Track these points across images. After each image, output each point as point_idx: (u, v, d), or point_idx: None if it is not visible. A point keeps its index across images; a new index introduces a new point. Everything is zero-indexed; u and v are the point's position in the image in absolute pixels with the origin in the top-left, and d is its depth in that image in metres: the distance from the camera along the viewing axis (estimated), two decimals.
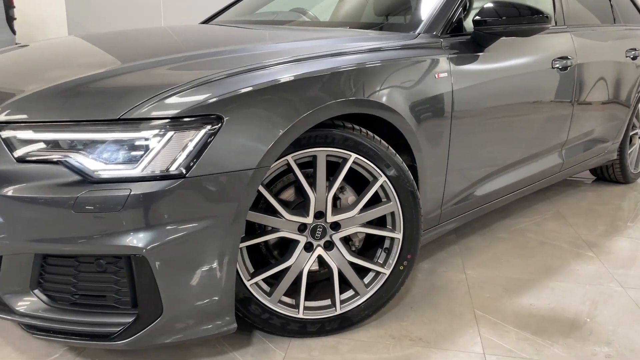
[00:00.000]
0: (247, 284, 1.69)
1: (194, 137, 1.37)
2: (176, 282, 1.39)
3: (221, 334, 1.51)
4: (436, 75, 1.97)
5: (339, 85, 1.65)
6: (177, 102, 1.39)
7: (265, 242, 1.84)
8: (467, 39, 2.20)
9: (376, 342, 1.80)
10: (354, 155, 1.71)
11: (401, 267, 1.85)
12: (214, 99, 1.41)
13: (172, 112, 1.37)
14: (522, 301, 2.11)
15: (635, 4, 3.92)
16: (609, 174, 3.80)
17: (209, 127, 1.39)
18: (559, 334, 1.88)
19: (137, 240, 1.33)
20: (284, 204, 1.80)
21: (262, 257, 1.85)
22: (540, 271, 2.38)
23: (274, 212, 1.69)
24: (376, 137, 1.75)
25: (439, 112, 1.98)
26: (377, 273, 1.85)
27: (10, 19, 5.99)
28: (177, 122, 1.37)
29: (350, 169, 1.75)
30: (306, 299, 1.83)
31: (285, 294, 1.79)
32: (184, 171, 1.36)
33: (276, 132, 1.47)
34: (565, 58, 2.70)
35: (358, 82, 1.70)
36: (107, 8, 6.94)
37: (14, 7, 6.07)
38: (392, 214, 1.82)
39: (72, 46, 2.18)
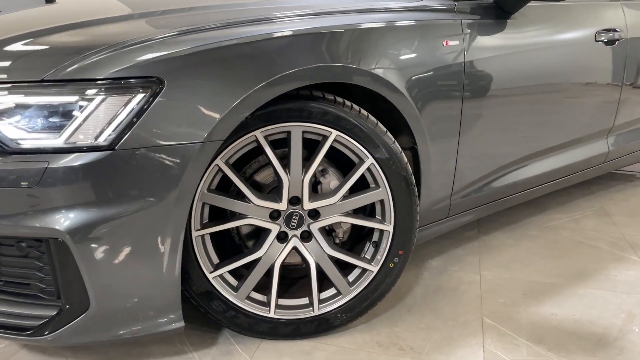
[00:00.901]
0: (210, 276, 1.48)
1: (128, 103, 1.17)
2: (105, 272, 1.20)
3: (164, 334, 1.31)
4: (444, 43, 1.69)
5: (315, 49, 1.40)
6: (110, 62, 1.19)
7: (238, 230, 1.63)
8: (489, 3, 1.89)
9: (358, 350, 1.56)
10: (335, 133, 1.47)
11: (391, 265, 1.59)
12: (154, 59, 1.20)
13: (102, 73, 1.17)
14: (542, 309, 1.80)
15: None
16: None
17: (146, 91, 1.18)
18: (580, 352, 1.58)
19: (56, 221, 1.14)
20: (259, 187, 1.58)
21: (235, 248, 1.64)
22: (571, 275, 2.05)
23: (242, 196, 1.48)
24: (363, 111, 1.50)
25: (446, 86, 1.70)
26: (364, 270, 1.60)
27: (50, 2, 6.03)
28: (108, 85, 1.17)
29: (335, 149, 1.51)
30: (282, 296, 1.61)
31: (257, 290, 1.57)
32: (113, 143, 1.15)
33: (230, 100, 1.25)
34: (613, 30, 2.33)
35: (340, 46, 1.45)
36: None
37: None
38: (382, 202, 1.56)
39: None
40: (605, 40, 2.29)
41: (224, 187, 1.50)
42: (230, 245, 1.65)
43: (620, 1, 2.48)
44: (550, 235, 2.45)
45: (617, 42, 2.35)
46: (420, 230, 1.85)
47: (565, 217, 2.69)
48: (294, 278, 1.78)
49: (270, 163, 1.46)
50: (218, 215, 1.52)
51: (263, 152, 1.45)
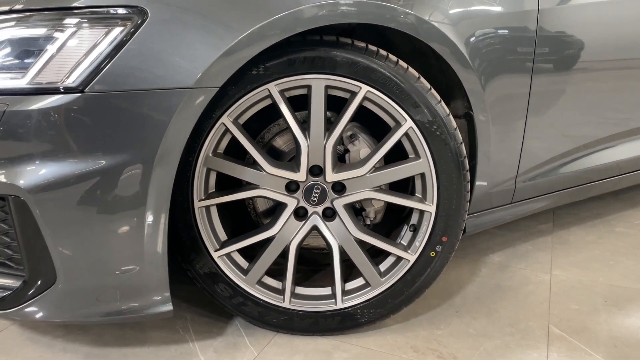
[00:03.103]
0: (214, 255, 1.27)
1: (104, 38, 0.97)
2: (72, 240, 1.01)
3: (147, 317, 1.11)
4: None
5: None
6: None
7: (254, 206, 1.41)
8: None
9: (388, 354, 1.29)
10: (365, 88, 1.20)
11: (432, 254, 1.30)
12: None
13: (73, 2, 0.98)
14: (627, 321, 1.45)
15: None
16: None
17: (125, 23, 0.98)
18: None
19: (14, 176, 0.97)
20: (279, 155, 1.35)
21: (252, 226, 1.42)
22: None
23: (254, 163, 1.25)
24: (402, 63, 1.22)
25: (513, 41, 1.38)
26: (398, 259, 1.33)
27: None
28: (80, 15, 0.98)
29: (368, 109, 1.25)
30: (302, 284, 1.38)
31: (273, 276, 1.34)
32: (82, 84, 0.96)
33: (228, 39, 1.02)
34: None
35: None
36: None
37: None
38: (422, 176, 1.27)
39: None
40: None
41: (238, 152, 1.28)
42: (247, 224, 1.43)
43: None
44: None
45: None
46: (476, 216, 1.55)
47: None
48: (323, 264, 1.54)
49: (285, 122, 1.22)
50: (234, 185, 1.30)
51: (278, 110, 1.21)
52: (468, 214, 1.51)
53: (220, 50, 1.02)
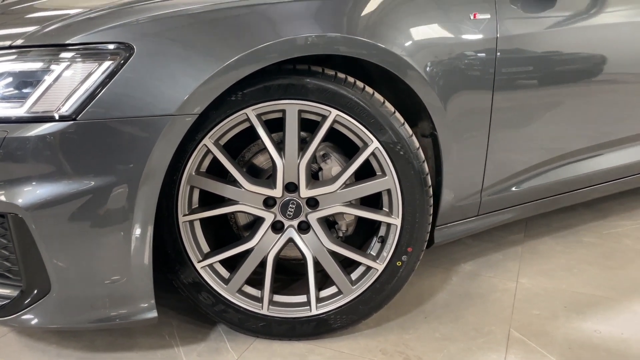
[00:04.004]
0: (198, 266, 1.38)
1: (94, 71, 1.09)
2: (65, 253, 1.12)
3: (134, 324, 1.22)
4: (472, 16, 1.49)
5: (312, 17, 1.26)
6: (78, 27, 1.11)
7: (235, 220, 1.52)
8: None
9: (359, 357, 1.40)
10: (334, 112, 1.32)
11: (399, 263, 1.41)
12: (124, 24, 1.11)
13: (68, 39, 1.09)
14: (584, 325, 1.55)
15: None
16: None
17: (114, 58, 1.09)
18: None
19: (12, 195, 1.08)
20: (259, 172, 1.46)
21: (233, 237, 1.53)
22: (626, 289, 1.77)
23: (234, 181, 1.36)
24: (368, 89, 1.34)
25: (473, 64, 1.50)
26: (368, 268, 1.44)
27: None
28: (73, 51, 1.09)
29: (340, 131, 1.36)
30: (280, 292, 1.48)
31: (253, 285, 1.45)
32: (74, 113, 1.07)
33: (206, 71, 1.14)
34: None
35: (343, 14, 1.30)
36: None
37: None
38: (389, 192, 1.39)
39: None
40: None
41: (221, 170, 1.39)
42: (229, 235, 1.54)
43: None
44: (610, 244, 2.15)
45: None
46: (444, 228, 1.66)
47: (631, 224, 2.37)
48: (301, 274, 1.64)
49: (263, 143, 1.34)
50: (217, 201, 1.41)
51: (255, 132, 1.32)
52: (437, 226, 1.64)
53: (200, 80, 1.13)
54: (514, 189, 1.79)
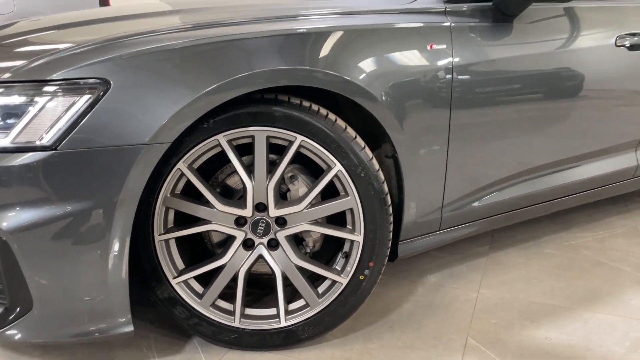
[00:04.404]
0: (173, 282, 1.47)
1: (73, 104, 1.18)
2: (47, 273, 1.21)
3: (112, 337, 1.30)
4: (429, 47, 1.61)
5: (277, 52, 1.37)
6: (59, 64, 1.21)
7: (209, 237, 1.61)
8: (487, 6, 1.79)
9: None
10: (300, 138, 1.42)
11: (361, 277, 1.52)
12: (101, 61, 1.21)
13: (50, 75, 1.19)
14: (536, 333, 1.67)
15: None
16: None
17: (92, 92, 1.19)
18: None
19: None
20: (232, 192, 1.56)
21: (208, 255, 1.62)
22: (579, 297, 1.89)
23: (207, 201, 1.46)
24: (330, 116, 1.45)
25: (431, 92, 1.61)
26: (333, 282, 1.54)
27: None
28: (54, 86, 1.19)
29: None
30: (252, 305, 1.58)
31: (227, 299, 1.54)
32: (55, 143, 1.16)
33: (177, 103, 1.23)
34: (639, 34, 2.16)
35: (305, 48, 1.41)
36: None
37: (109, 5, 6.41)
38: (351, 211, 1.49)
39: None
40: (629, 45, 2.12)
41: (196, 191, 1.48)
42: (204, 252, 1.63)
43: None
44: (569, 255, 2.27)
45: None
46: (407, 242, 1.77)
47: (591, 235, 2.50)
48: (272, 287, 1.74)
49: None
50: (191, 220, 1.50)
51: (227, 157, 1.42)
52: (400, 240, 1.74)
53: (172, 111, 1.23)
54: (475, 204, 1.91)
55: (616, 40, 2.09)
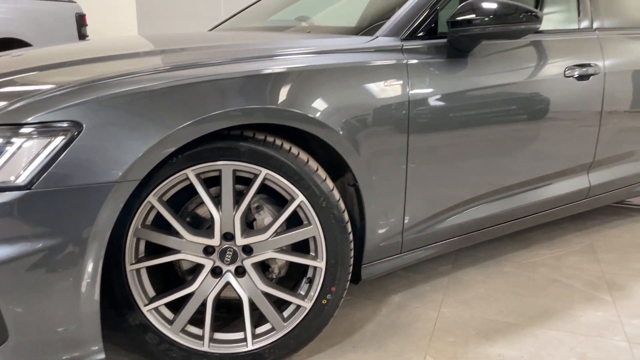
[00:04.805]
0: (144, 309, 1.54)
1: (47, 146, 1.25)
2: (22, 305, 1.27)
3: None
4: (386, 83, 1.72)
5: (241, 92, 1.46)
6: (34, 107, 1.28)
7: (179, 264, 1.68)
8: (442, 43, 1.92)
9: None
10: (264, 171, 1.51)
11: (324, 301, 1.61)
12: (74, 104, 1.29)
13: (25, 118, 1.26)
14: (490, 350, 1.77)
15: None
16: None
17: (65, 134, 1.26)
18: None
19: None
20: (201, 221, 1.64)
21: (178, 281, 1.69)
22: (533, 315, 2.01)
23: (177, 232, 1.53)
24: (293, 150, 1.54)
25: (389, 124, 1.72)
26: (298, 306, 1.62)
27: (82, 36, 6.34)
28: (29, 129, 1.25)
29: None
30: (221, 330, 1.65)
31: (194, 323, 1.61)
32: (30, 183, 1.23)
33: (146, 143, 1.32)
34: (586, 65, 2.31)
35: (266, 87, 1.50)
36: (178, 23, 7.23)
37: (86, 24, 6.43)
38: (314, 239, 1.59)
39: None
40: (577, 76, 2.27)
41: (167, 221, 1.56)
42: (175, 278, 1.70)
43: (598, 35, 2.46)
44: (526, 272, 2.40)
45: (591, 77, 2.33)
46: (369, 266, 1.86)
47: (549, 253, 2.63)
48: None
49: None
50: (161, 248, 1.57)
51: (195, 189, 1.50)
52: (363, 264, 1.84)
53: (142, 150, 1.31)
54: (436, 226, 2.02)
55: (565, 71, 2.24)
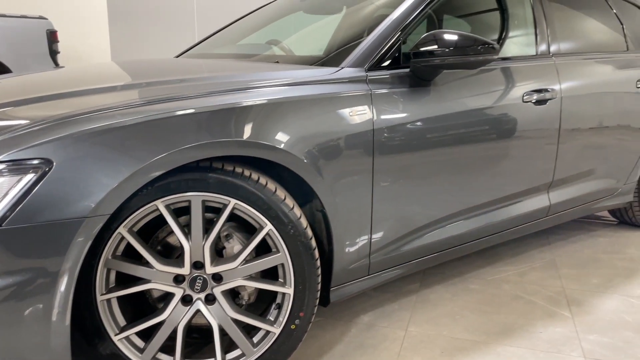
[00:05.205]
0: (115, 339, 1.56)
1: (17, 184, 1.28)
2: None
3: None
4: (350, 113, 1.79)
5: (210, 125, 1.51)
6: (6, 145, 1.31)
7: (150, 292, 1.71)
8: (406, 73, 2.00)
9: None
10: (233, 201, 1.56)
11: (293, 326, 1.65)
12: (46, 141, 1.32)
13: None
14: None
15: None
16: (629, 217, 3.39)
17: (36, 171, 1.29)
18: None
19: None
20: (172, 250, 1.67)
21: (149, 308, 1.72)
22: (496, 332, 2.08)
23: (146, 262, 1.56)
24: (262, 180, 1.59)
25: (354, 152, 1.79)
26: (267, 332, 1.66)
27: (53, 53, 6.30)
28: (1, 165, 1.28)
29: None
30: (193, 356, 1.68)
31: (165, 350, 1.64)
32: (0, 220, 1.26)
33: (117, 177, 1.35)
34: (544, 91, 2.42)
35: (231, 120, 1.56)
36: (149, 41, 7.24)
37: (57, 41, 6.39)
38: (283, 266, 1.64)
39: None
40: (534, 101, 2.38)
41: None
42: (145, 306, 1.73)
43: (555, 61, 2.58)
44: (491, 289, 2.48)
45: (548, 102, 2.44)
46: (337, 289, 1.92)
47: (513, 269, 2.73)
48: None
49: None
50: (132, 277, 1.60)
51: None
52: (331, 287, 1.89)
53: (112, 185, 1.35)
54: (403, 248, 2.08)
55: (523, 96, 2.34)
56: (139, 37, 7.30)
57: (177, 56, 3.00)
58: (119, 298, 1.59)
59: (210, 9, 6.78)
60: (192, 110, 1.51)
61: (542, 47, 2.60)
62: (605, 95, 2.77)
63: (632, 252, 3.00)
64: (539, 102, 2.40)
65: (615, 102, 2.84)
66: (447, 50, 1.91)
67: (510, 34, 2.63)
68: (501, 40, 2.57)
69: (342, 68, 1.92)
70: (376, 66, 1.95)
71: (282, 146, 1.60)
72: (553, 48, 2.63)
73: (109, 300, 1.56)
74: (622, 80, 2.91)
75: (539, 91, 2.40)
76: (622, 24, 3.15)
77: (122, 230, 1.50)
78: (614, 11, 3.14)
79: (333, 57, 2.10)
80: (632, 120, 2.95)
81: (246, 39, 3.14)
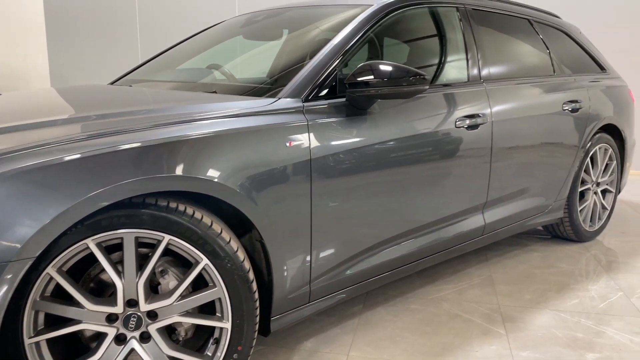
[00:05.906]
0: None
1: None
2: None
3: None
4: (288, 144, 1.81)
5: (144, 161, 1.49)
6: None
7: (82, 331, 1.66)
8: (342, 102, 2.04)
9: None
10: (167, 237, 1.54)
11: None
12: None
13: None
14: None
15: (587, 51, 3.74)
16: (561, 232, 3.56)
17: None
18: None
19: None
20: (106, 287, 1.63)
21: (83, 348, 1.66)
22: (435, 353, 2.14)
23: (77, 302, 1.52)
24: (197, 215, 1.58)
25: (291, 183, 1.80)
26: None
27: None
28: None
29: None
30: None
31: None
32: None
33: (43, 219, 1.32)
34: (475, 116, 2.52)
35: (172, 156, 1.54)
36: (89, 60, 7.06)
37: None
38: (220, 300, 1.63)
39: None
40: (467, 126, 2.47)
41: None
42: (78, 344, 1.67)
43: (485, 87, 2.69)
44: (431, 309, 2.54)
45: (480, 126, 2.54)
46: (278, 318, 1.92)
47: (452, 287, 2.80)
48: None
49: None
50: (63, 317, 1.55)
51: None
52: (272, 317, 1.89)
53: (37, 227, 1.31)
54: (343, 273, 2.11)
55: (456, 122, 2.43)
56: (79, 56, 7.12)
57: (116, 80, 2.94)
58: (50, 340, 1.53)
59: (153, 30, 6.70)
60: (126, 146, 1.49)
61: (474, 72, 2.71)
62: (533, 117, 2.92)
63: (563, 266, 3.14)
64: (471, 127, 2.50)
65: (544, 123, 2.99)
66: (382, 80, 1.96)
67: (445, 59, 2.73)
68: (437, 65, 2.67)
69: (280, 99, 1.94)
70: (313, 96, 1.98)
71: (216, 179, 1.60)
72: (484, 73, 2.74)
73: (37, 344, 1.50)
74: (549, 102, 3.07)
75: (471, 117, 2.50)
76: (548, 49, 3.33)
77: (51, 270, 1.46)
78: (541, 36, 3.32)
79: (272, 84, 2.12)
80: (559, 140, 3.11)
81: (186, 62, 3.11)
